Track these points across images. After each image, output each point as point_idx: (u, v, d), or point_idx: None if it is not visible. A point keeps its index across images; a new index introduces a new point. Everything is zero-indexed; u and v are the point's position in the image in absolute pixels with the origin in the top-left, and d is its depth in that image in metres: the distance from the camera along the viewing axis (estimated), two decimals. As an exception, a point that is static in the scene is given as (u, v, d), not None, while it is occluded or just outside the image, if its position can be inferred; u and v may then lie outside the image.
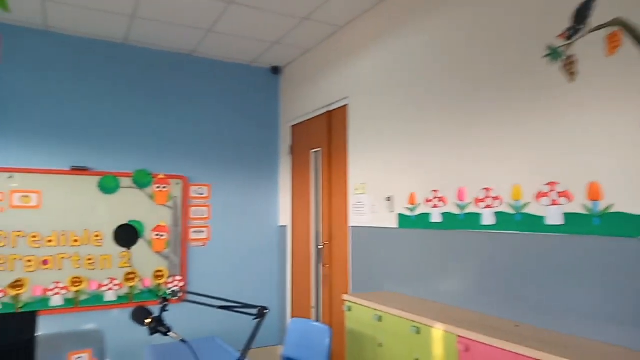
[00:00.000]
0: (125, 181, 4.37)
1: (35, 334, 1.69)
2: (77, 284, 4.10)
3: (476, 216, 2.66)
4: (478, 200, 2.66)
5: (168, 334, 1.77)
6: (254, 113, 5.15)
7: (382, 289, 3.43)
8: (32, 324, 1.69)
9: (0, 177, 3.85)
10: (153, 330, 1.77)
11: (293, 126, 5.00)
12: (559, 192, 2.20)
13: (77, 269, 4.11)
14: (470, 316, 2.47)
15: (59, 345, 2.24)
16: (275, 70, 5.19)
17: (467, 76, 2.78)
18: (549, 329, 2.19)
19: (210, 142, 4.87)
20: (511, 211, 2.45)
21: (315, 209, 4.51)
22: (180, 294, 1.73)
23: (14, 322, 1.68)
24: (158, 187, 4.52)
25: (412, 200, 3.18)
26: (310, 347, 2.68)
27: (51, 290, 3.99)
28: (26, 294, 3.89)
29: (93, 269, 4.17)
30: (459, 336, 2.17)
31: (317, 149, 4.49)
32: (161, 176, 4.54)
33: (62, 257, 4.05)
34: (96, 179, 4.23)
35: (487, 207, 2.59)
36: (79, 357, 1.73)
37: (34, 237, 3.95)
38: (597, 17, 2.08)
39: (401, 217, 3.28)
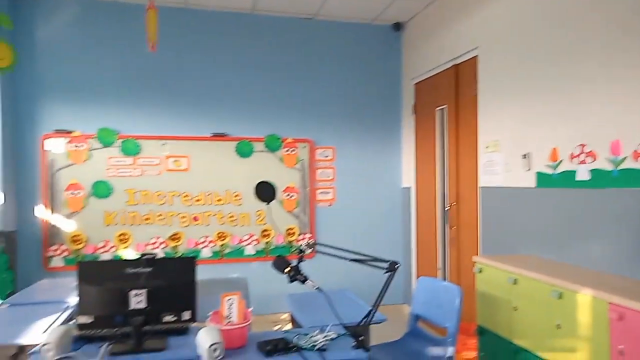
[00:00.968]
0: (258, 145, 4.69)
1: (195, 277, 1.95)
2: (222, 239, 4.59)
3: (634, 172, 2.33)
4: (637, 155, 2.31)
5: (305, 282, 1.90)
6: (376, 73, 5.09)
7: (516, 252, 3.23)
8: (193, 268, 1.95)
9: (156, 145, 4.41)
10: (292, 278, 1.92)
11: (416, 84, 4.83)
12: None
13: (221, 225, 4.59)
14: (623, 282, 2.21)
15: (212, 289, 2.55)
16: (397, 26, 5.02)
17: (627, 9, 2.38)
18: None
19: (333, 105, 4.96)
20: (682, 165, 2.08)
21: (441, 169, 4.37)
22: (314, 247, 1.83)
23: (178, 265, 1.96)
24: (287, 151, 4.77)
25: (553, 156, 2.89)
26: (440, 306, 2.66)
27: (201, 243, 4.53)
28: (182, 246, 4.48)
29: (234, 226, 4.63)
30: (610, 303, 1.96)
31: (442, 106, 4.29)
32: (289, 140, 4.78)
33: (209, 215, 4.56)
34: (233, 144, 4.62)
35: (650, 161, 2.24)
36: (230, 298, 1.94)
37: (186, 196, 4.49)
38: None
39: (540, 175, 3.01)
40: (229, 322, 1.92)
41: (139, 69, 4.41)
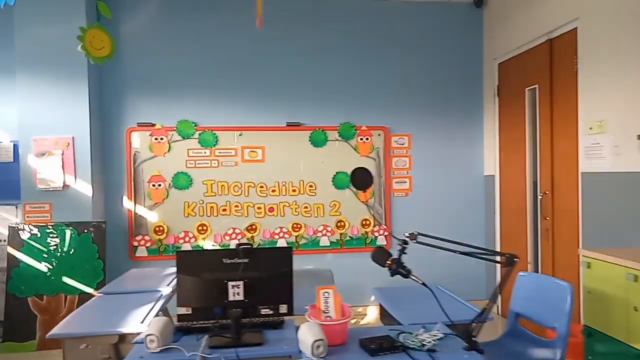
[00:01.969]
0: (332, 134, 4.58)
1: (292, 268, 1.86)
2: (296, 230, 4.54)
3: None
4: None
5: (409, 276, 1.75)
6: (454, 55, 4.80)
7: (630, 245, 2.87)
8: (289, 259, 1.87)
9: (232, 136, 4.43)
10: (394, 272, 1.77)
11: (500, 64, 4.49)
12: None
13: (295, 216, 4.54)
14: None
15: (297, 281, 2.47)
16: (478, 3, 4.69)
17: None
18: None
19: (408, 90, 4.74)
20: None
21: (532, 155, 4.03)
22: (416, 237, 1.67)
23: (275, 256, 1.89)
24: (361, 139, 4.62)
25: (680, 136, 2.52)
26: (545, 304, 2.40)
27: (277, 234, 4.51)
28: (258, 237, 4.48)
29: (309, 217, 4.56)
30: None
31: (533, 86, 3.94)
32: (364, 128, 4.62)
33: (284, 205, 4.52)
34: (307, 133, 4.54)
35: None
36: (326, 292, 1.84)
37: (261, 187, 4.48)
38: None
39: (661, 158, 2.64)
40: (327, 316, 1.82)
41: (215, 60, 4.44)
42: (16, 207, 4.13)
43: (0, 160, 4.14)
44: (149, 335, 1.64)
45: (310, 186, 4.56)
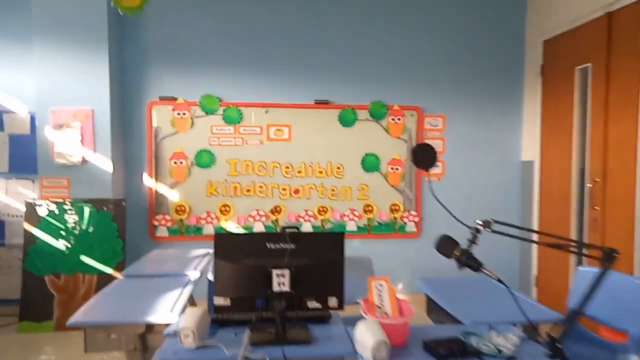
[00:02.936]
0: (362, 113, 4.32)
1: (344, 257, 1.63)
2: (322, 213, 4.32)
3: None
4: None
5: (479, 269, 1.51)
6: (494, 31, 4.47)
7: (700, 240, 2.61)
8: (341, 246, 1.64)
9: (258, 113, 4.19)
10: (462, 264, 1.54)
11: (546, 41, 4.16)
12: None
13: (322, 199, 4.32)
14: None
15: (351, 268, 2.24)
16: (525, -26, 4.35)
17: None
18: None
19: (444, 68, 4.44)
20: None
21: (580, 140, 3.73)
22: (490, 225, 1.43)
23: (324, 242, 1.66)
24: (393, 119, 4.36)
25: None
26: (615, 303, 2.16)
27: (302, 217, 4.30)
28: (283, 220, 4.27)
29: (336, 200, 4.33)
30: None
31: (584, 65, 3.63)
32: (396, 107, 4.35)
33: (310, 188, 4.29)
34: (336, 112, 4.28)
35: None
36: (380, 284, 1.62)
37: (287, 168, 4.25)
38: None
39: None
40: (383, 312, 1.60)
41: (241, 32, 4.18)
42: (33, 182, 3.97)
43: (17, 132, 3.96)
44: (184, 329, 1.44)
45: (338, 168, 4.32)
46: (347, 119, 4.30)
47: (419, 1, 4.36)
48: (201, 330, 1.47)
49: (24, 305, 3.60)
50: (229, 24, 4.16)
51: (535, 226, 4.32)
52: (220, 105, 4.13)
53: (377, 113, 4.34)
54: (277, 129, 4.22)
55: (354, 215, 4.35)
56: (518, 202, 4.56)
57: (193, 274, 2.41)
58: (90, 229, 3.69)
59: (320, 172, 4.30)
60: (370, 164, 4.35)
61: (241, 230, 4.19)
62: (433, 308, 2.26)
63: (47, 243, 3.63)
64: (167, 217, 4.13)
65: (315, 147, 4.28)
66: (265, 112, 4.19)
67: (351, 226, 4.35)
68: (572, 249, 1.40)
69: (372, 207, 4.37)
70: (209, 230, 4.16)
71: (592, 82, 3.55)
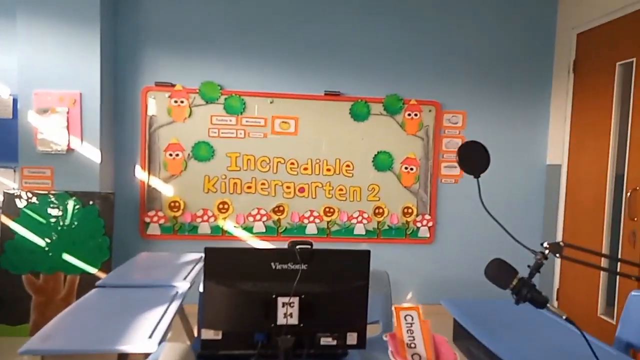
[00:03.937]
0: (376, 107, 3.97)
1: (368, 282, 1.29)
2: (329, 214, 3.98)
3: None
4: None
5: (545, 306, 1.17)
6: (521, 23, 4.11)
7: None
8: (366, 268, 1.30)
9: (262, 103, 3.84)
10: (520, 298, 1.19)
11: (580, 34, 3.80)
12: None
13: (329, 198, 3.98)
14: None
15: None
16: (560, -40, 3.98)
17: None
18: None
19: (467, 62, 4.08)
20: None
21: (617, 143, 3.38)
22: (562, 250, 1.07)
23: (345, 263, 1.30)
24: (409, 115, 4.01)
25: None
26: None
27: (307, 217, 3.95)
28: (285, 220, 3.93)
29: (343, 200, 3.99)
30: None
31: (626, 61, 3.27)
32: (413, 102, 4.00)
33: (316, 186, 3.95)
34: (348, 104, 3.93)
35: None
36: (409, 315, 1.28)
37: (292, 164, 3.91)
38: None
39: None
40: (414, 354, 1.25)
41: (246, 14, 3.82)
42: (14, 171, 3.63)
43: (-2, 116, 3.62)
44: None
45: (347, 166, 3.97)
46: (359, 113, 3.95)
47: (441, -13, 4.01)
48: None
49: (-2, 307, 3.27)
50: (233, 5, 3.80)
51: (559, 237, 3.97)
52: (222, 94, 3.78)
53: (393, 107, 3.98)
54: (283, 122, 3.87)
55: (363, 217, 4.01)
56: (541, 209, 4.21)
57: (182, 285, 2.07)
58: (75, 225, 3.35)
59: (328, 170, 3.96)
60: (382, 162, 4.00)
61: (240, 230, 3.86)
62: (461, 335, 1.92)
63: (26, 239, 3.29)
64: (160, 213, 3.78)
65: (323, 143, 3.93)
66: (270, 102, 3.84)
67: (359, 229, 4.01)
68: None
69: (382, 209, 4.02)
70: (204, 229, 3.82)
71: (635, 79, 3.19)
